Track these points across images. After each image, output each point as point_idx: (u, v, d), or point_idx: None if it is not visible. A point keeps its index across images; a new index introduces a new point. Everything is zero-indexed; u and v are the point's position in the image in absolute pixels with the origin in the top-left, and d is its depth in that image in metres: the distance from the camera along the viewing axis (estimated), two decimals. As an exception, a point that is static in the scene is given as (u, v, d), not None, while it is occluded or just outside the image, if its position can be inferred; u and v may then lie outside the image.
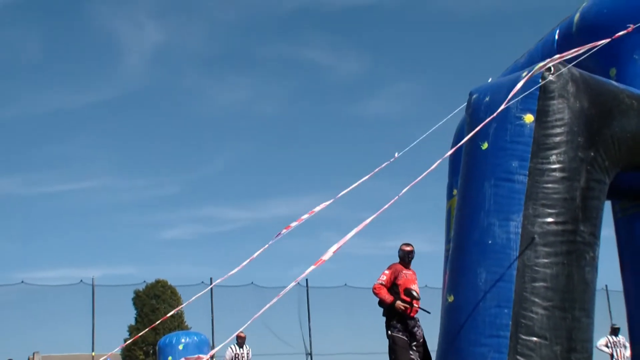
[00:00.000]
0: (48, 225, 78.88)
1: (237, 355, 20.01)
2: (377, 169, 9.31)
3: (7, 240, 77.01)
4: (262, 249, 8.31)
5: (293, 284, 6.58)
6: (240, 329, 5.70)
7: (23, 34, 78.73)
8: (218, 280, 10.25)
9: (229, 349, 20.16)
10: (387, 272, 11.65)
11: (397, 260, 11.92)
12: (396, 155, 9.99)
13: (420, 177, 7.08)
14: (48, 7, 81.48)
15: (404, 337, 11.32)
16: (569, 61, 9.00)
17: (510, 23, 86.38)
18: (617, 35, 8.96)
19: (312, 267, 5.74)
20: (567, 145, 8.52)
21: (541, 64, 8.43)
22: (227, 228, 77.90)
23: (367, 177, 9.12)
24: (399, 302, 11.26)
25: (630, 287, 10.66)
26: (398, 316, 11.36)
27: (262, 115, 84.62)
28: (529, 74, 8.52)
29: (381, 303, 11.50)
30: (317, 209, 8.79)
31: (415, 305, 11.55)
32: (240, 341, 20.15)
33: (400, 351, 11.30)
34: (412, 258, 11.81)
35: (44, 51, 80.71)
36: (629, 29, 9.11)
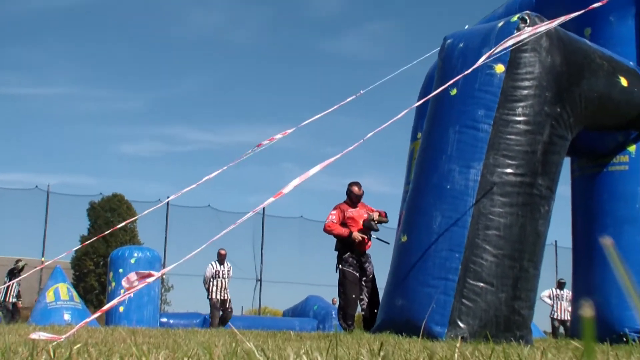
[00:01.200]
0: (6, 128, 78.30)
1: (217, 272, 19.60)
2: (339, 104, 9.30)
3: (-36, 139, 76.33)
4: (220, 170, 8.31)
5: (251, 213, 6.60)
6: (196, 251, 5.62)
7: None
8: (172, 197, 10.23)
9: (210, 265, 19.84)
10: (334, 212, 11.68)
11: (344, 199, 11.96)
12: (361, 92, 9.95)
13: (388, 123, 7.09)
14: None
15: (354, 272, 11.39)
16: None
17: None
18: (591, 7, 8.96)
19: (271, 199, 5.76)
20: (534, 98, 8.58)
21: (528, 33, 8.35)
22: (188, 149, 77.55)
23: (329, 110, 9.10)
24: (356, 233, 11.34)
25: (579, 245, 10.85)
26: (351, 251, 11.44)
27: (235, 42, 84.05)
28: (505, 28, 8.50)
29: (338, 238, 11.54)
30: (278, 136, 8.80)
31: (374, 236, 11.66)
32: (221, 258, 19.87)
33: (350, 285, 11.38)
34: (360, 198, 11.86)
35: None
36: (603, 2, 9.11)
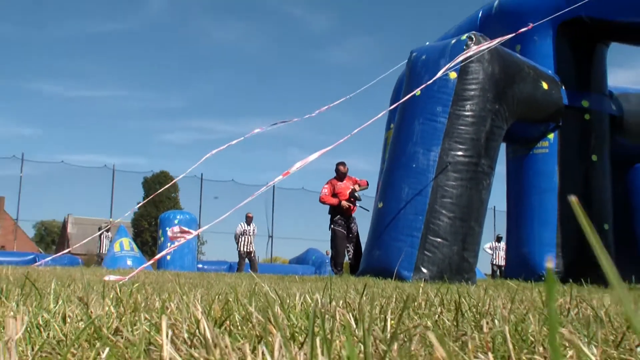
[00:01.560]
0: (85, 121, 78.81)
1: (245, 231, 19.17)
2: (334, 103, 9.20)
3: (53, 129, 76.96)
4: (235, 141, 8.23)
5: (264, 188, 6.51)
6: (223, 217, 5.53)
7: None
8: (191, 168, 10.09)
9: (239, 225, 19.38)
10: (326, 186, 11.71)
11: (334, 174, 11.95)
12: (349, 96, 9.85)
13: (369, 122, 7.02)
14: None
15: (343, 231, 11.42)
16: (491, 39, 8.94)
17: (448, 2, 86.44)
18: (519, 31, 8.99)
19: (280, 177, 5.69)
20: (479, 98, 8.51)
21: (473, 51, 8.30)
22: (214, 137, 78.23)
23: (324, 108, 9.00)
24: (344, 202, 11.36)
25: (512, 209, 10.80)
26: (340, 215, 11.45)
27: (249, 52, 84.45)
28: (458, 46, 8.44)
29: (331, 207, 11.59)
30: (290, 120, 8.72)
31: (357, 204, 11.66)
32: (248, 220, 19.43)
33: (339, 241, 11.44)
34: (346, 174, 11.83)
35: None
36: (529, 27, 9.15)
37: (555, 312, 0.53)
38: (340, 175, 11.79)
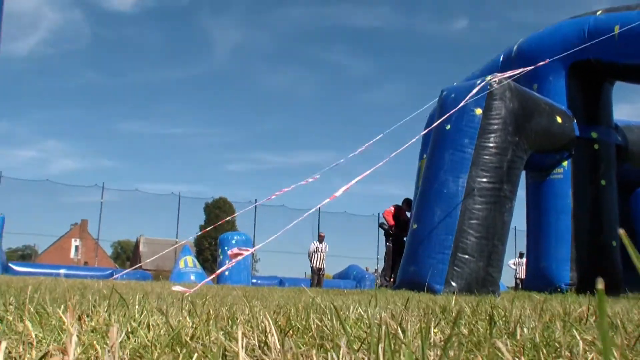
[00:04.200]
0: (156, 154, 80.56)
1: (317, 248, 18.40)
2: (375, 139, 9.18)
3: (130, 161, 78.68)
4: (298, 184, 8.25)
5: (312, 210, 6.52)
6: (273, 237, 5.52)
7: (150, 31, 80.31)
8: (262, 201, 10.17)
9: (312, 243, 18.69)
10: (394, 207, 12.28)
11: (400, 203, 12.48)
12: (384, 133, 9.90)
13: (403, 147, 6.98)
14: (168, 12, 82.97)
15: (394, 246, 11.87)
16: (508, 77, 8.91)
17: (471, 49, 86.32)
18: (538, 64, 8.95)
19: (327, 200, 5.67)
20: (501, 131, 8.43)
21: (490, 76, 8.33)
22: (268, 167, 78.95)
23: (367, 145, 8.98)
24: (394, 229, 12.01)
25: (530, 228, 10.63)
26: (394, 235, 11.99)
27: (301, 94, 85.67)
28: (481, 83, 8.44)
29: (389, 226, 12.10)
30: (339, 162, 8.75)
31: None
32: (320, 238, 18.84)
33: (388, 256, 12.08)
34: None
35: (165, 43, 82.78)
36: (545, 62, 9.12)
37: (607, 326, 0.52)
38: (404, 208, 12.30)
